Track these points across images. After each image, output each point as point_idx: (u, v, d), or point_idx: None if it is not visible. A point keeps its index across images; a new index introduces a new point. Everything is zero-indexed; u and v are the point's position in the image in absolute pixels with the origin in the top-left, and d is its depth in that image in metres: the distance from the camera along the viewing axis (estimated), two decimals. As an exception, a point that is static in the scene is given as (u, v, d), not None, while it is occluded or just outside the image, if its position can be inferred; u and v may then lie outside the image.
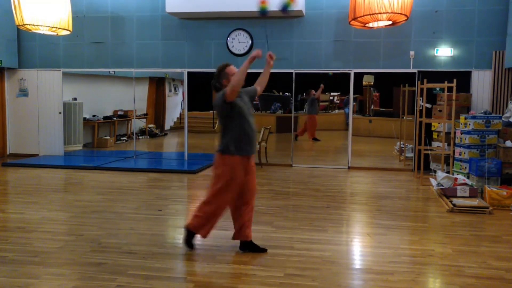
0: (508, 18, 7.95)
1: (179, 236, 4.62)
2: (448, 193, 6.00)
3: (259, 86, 4.12)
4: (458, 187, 5.96)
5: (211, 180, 3.86)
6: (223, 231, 4.66)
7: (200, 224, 3.88)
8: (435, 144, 8.00)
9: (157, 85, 13.98)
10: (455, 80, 7.12)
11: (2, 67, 9.61)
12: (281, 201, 5.97)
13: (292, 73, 8.78)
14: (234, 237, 4.01)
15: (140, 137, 12.92)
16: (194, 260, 3.82)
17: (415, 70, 8.36)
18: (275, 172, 8.17)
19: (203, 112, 13.39)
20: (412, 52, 8.35)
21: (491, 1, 8.07)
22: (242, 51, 8.93)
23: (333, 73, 8.90)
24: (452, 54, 8.27)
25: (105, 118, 11.92)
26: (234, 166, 3.72)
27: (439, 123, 7.70)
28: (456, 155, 7.00)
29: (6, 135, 9.98)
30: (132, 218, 5.13)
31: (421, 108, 7.64)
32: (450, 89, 7.26)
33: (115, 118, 12.24)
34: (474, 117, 6.79)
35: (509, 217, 5.28)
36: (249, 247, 3.97)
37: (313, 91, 11.43)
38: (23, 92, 9.86)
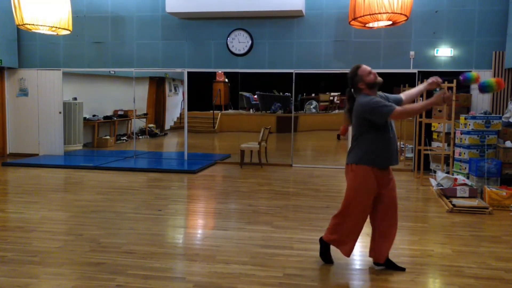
0: (508, 18, 7.95)
1: (179, 236, 4.63)
2: (448, 194, 6.00)
3: (404, 97, 3.74)
4: (458, 188, 5.96)
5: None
6: (222, 231, 4.67)
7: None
8: (435, 144, 8.00)
9: (157, 85, 13.98)
10: (455, 81, 7.12)
11: (2, 67, 9.62)
12: (281, 201, 5.97)
13: (292, 73, 8.78)
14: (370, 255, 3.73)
15: (140, 137, 12.92)
16: (193, 260, 3.82)
17: (415, 70, 8.36)
18: (275, 172, 8.17)
19: (203, 112, 13.39)
20: (412, 52, 8.35)
21: (491, 1, 8.07)
22: (242, 51, 8.93)
23: (333, 73, 8.89)
24: (452, 55, 8.27)
25: (105, 118, 11.92)
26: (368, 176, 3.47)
27: (439, 123, 7.69)
28: (456, 156, 7.00)
29: (6, 135, 9.98)
30: (131, 218, 5.13)
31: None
32: (450, 90, 7.25)
33: (115, 118, 12.24)
34: (474, 118, 6.79)
35: (508, 218, 5.28)
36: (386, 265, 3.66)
37: None
38: (23, 92, 9.86)
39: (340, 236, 3.61)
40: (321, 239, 3.77)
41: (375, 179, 3.47)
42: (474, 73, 3.50)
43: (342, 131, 11.35)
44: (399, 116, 3.34)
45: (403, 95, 3.74)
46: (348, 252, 3.61)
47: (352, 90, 3.59)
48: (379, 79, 3.51)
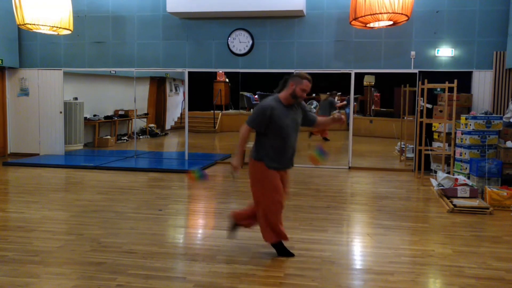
0: (509, 18, 7.94)
1: (179, 236, 4.63)
2: (448, 194, 6.00)
3: (318, 121, 4.05)
4: (459, 188, 5.96)
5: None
6: (223, 230, 4.66)
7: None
8: (435, 144, 7.99)
9: (158, 84, 13.99)
10: (456, 81, 7.12)
11: (3, 67, 9.62)
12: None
13: (293, 73, 8.76)
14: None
15: (141, 137, 12.93)
16: (194, 260, 3.82)
17: (416, 70, 8.35)
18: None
19: (204, 112, 13.39)
20: (413, 52, 8.35)
21: (492, 1, 8.06)
22: (242, 51, 8.93)
23: (334, 73, 8.88)
24: (453, 55, 8.26)
25: (106, 117, 11.93)
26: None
27: (439, 123, 7.69)
28: (457, 156, 7.00)
29: (7, 135, 9.99)
30: (132, 217, 5.13)
31: (421, 108, 7.64)
32: (451, 90, 7.25)
33: (115, 118, 12.25)
34: (474, 118, 6.79)
35: (509, 218, 5.28)
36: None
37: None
38: (24, 92, 9.86)
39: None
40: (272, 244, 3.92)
41: None
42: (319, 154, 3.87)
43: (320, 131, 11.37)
44: (240, 132, 3.66)
45: (318, 119, 4.05)
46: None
47: (280, 85, 3.81)
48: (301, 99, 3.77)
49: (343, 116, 3.86)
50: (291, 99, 3.70)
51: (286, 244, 3.96)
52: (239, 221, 4.04)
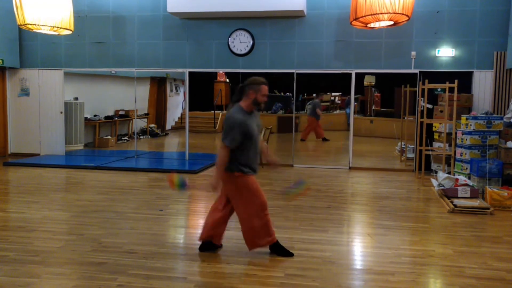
0: (509, 18, 7.94)
1: (180, 236, 4.63)
2: (449, 194, 5.99)
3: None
4: (459, 188, 5.96)
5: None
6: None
7: None
8: (436, 144, 7.99)
9: (159, 85, 13.99)
10: (456, 81, 7.12)
11: (4, 67, 9.63)
12: (282, 201, 5.96)
13: (293, 73, 8.78)
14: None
15: (141, 137, 12.93)
16: (194, 260, 3.82)
17: (417, 71, 8.35)
18: (276, 172, 8.16)
19: (204, 112, 13.40)
20: (413, 53, 8.34)
21: (492, 1, 8.06)
22: (243, 51, 8.93)
23: (334, 73, 8.88)
24: (453, 55, 8.26)
25: (106, 117, 11.93)
26: None
27: (440, 123, 7.69)
28: (457, 156, 7.00)
29: (7, 135, 9.99)
30: (132, 217, 5.13)
31: (422, 108, 7.64)
32: (451, 90, 7.25)
33: (116, 118, 12.25)
34: (475, 118, 6.78)
35: (510, 218, 5.28)
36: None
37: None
38: (25, 92, 9.87)
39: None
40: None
41: None
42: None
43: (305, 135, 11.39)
44: (219, 153, 3.65)
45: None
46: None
47: (238, 91, 3.78)
48: (262, 104, 3.77)
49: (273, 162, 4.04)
50: (253, 107, 3.73)
51: (286, 244, 3.96)
52: (214, 239, 3.98)
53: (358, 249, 4.26)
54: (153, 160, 9.78)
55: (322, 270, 3.60)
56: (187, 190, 3.74)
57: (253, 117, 3.75)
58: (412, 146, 8.93)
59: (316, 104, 11.55)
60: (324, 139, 11.55)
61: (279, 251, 3.90)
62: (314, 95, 11.79)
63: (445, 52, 8.27)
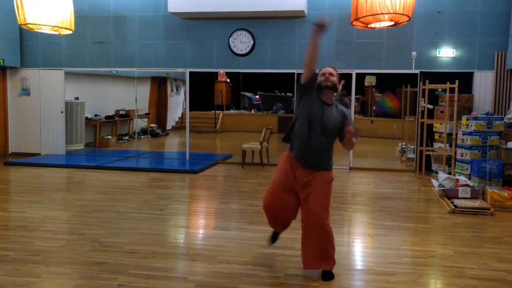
0: (510, 19, 7.93)
1: (180, 236, 4.63)
2: (449, 194, 5.99)
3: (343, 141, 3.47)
4: (460, 188, 5.96)
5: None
6: (224, 231, 4.67)
7: None
8: (436, 145, 7.99)
9: (159, 84, 14.00)
10: (457, 81, 7.12)
11: (5, 66, 9.63)
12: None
13: (294, 73, 8.78)
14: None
15: (142, 137, 12.94)
16: (195, 260, 3.82)
17: (417, 71, 8.35)
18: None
19: (205, 112, 13.41)
20: (414, 53, 8.34)
21: (493, 2, 8.06)
22: (244, 51, 8.93)
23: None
24: (454, 55, 8.26)
25: (107, 117, 11.94)
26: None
27: (441, 124, 7.69)
28: (458, 156, 6.99)
29: (8, 134, 10.00)
30: (133, 217, 5.13)
31: (423, 109, 7.64)
32: (452, 90, 7.25)
33: (117, 118, 12.26)
34: (476, 118, 6.78)
35: (510, 219, 5.27)
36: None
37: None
38: (25, 91, 9.87)
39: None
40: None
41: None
42: (385, 100, 3.45)
43: None
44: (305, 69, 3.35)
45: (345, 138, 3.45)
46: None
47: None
48: (328, 83, 3.38)
49: (351, 128, 3.28)
50: (327, 95, 3.39)
51: (287, 244, 3.96)
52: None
53: (359, 250, 4.26)
54: (153, 160, 9.78)
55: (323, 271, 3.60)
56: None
57: (327, 108, 3.36)
58: (413, 146, 8.93)
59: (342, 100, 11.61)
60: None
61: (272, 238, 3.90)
62: (341, 91, 11.79)
63: (446, 53, 8.26)
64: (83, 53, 9.59)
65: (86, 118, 11.15)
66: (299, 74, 8.75)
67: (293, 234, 4.51)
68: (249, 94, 14.38)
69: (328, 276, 3.43)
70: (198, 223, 5.22)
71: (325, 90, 3.40)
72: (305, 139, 3.40)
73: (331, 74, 3.43)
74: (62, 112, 9.76)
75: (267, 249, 4.03)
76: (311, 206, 3.38)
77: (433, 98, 8.15)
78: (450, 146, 7.45)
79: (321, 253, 3.42)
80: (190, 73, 9.28)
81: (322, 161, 3.45)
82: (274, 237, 3.89)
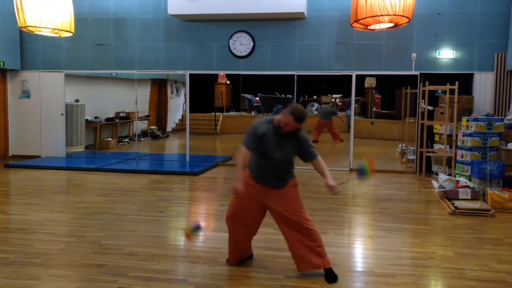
0: (510, 20, 7.94)
1: (180, 238, 4.63)
2: (450, 196, 5.99)
3: (316, 163, 3.55)
4: (460, 190, 5.95)
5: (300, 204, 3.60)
6: (224, 233, 4.66)
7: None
8: (437, 146, 7.99)
9: (159, 87, 14.01)
10: (457, 83, 7.11)
11: (5, 69, 9.64)
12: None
13: (294, 75, 8.78)
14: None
15: (142, 139, 12.94)
16: (195, 262, 3.82)
17: (417, 72, 8.35)
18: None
19: (205, 114, 13.41)
20: (414, 54, 8.35)
21: (493, 3, 8.06)
22: (244, 53, 8.93)
23: (335, 75, 8.89)
24: (454, 57, 8.26)
25: (107, 119, 11.94)
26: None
27: (441, 125, 7.69)
28: (458, 158, 6.99)
29: (8, 137, 10.00)
30: (133, 219, 5.13)
31: (423, 110, 7.64)
32: (452, 92, 7.25)
33: (117, 120, 12.26)
34: (476, 120, 6.78)
35: (511, 220, 5.27)
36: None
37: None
38: (26, 94, 9.88)
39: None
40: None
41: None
42: (365, 164, 3.46)
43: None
44: (238, 155, 3.40)
45: (316, 164, 3.55)
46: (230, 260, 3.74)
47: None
48: (284, 131, 3.35)
49: (334, 189, 3.43)
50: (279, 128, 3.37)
51: (286, 246, 3.94)
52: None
53: (359, 251, 4.25)
54: (153, 162, 9.77)
55: (323, 272, 3.59)
56: (201, 230, 3.61)
57: (283, 138, 3.38)
58: (413, 148, 8.92)
59: (334, 112, 11.78)
60: (339, 140, 11.74)
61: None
62: (331, 100, 11.92)
63: (446, 54, 8.27)
64: (83, 55, 9.60)
65: (86, 120, 11.15)
66: (299, 76, 8.79)
67: (293, 236, 4.51)
68: (249, 96, 14.38)
69: (331, 277, 3.45)
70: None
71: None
72: (262, 169, 3.49)
73: (289, 127, 3.33)
74: (62, 114, 9.77)
75: (267, 251, 4.03)
76: (282, 208, 3.51)
77: (433, 99, 8.15)
78: (450, 147, 7.44)
79: (313, 251, 3.48)
80: (190, 75, 9.28)
81: (282, 182, 3.54)
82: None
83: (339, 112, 11.98)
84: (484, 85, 8.17)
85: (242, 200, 3.51)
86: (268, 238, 4.41)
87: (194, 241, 3.69)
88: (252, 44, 8.88)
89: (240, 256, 3.74)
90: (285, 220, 3.54)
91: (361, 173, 3.47)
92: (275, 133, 3.38)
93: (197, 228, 3.45)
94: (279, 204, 3.52)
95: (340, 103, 13.32)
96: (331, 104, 12.29)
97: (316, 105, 13.44)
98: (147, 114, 13.48)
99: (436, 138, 8.05)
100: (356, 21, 6.92)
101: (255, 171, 3.53)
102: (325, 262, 3.49)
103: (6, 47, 9.42)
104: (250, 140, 3.39)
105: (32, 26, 7.43)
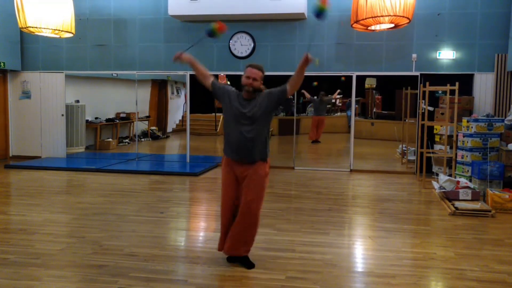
0: (510, 21, 7.94)
1: (181, 239, 4.63)
2: (450, 196, 5.99)
3: (289, 86, 3.70)
4: (460, 190, 5.95)
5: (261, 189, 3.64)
6: (224, 233, 4.66)
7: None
8: (437, 147, 7.99)
9: (160, 87, 14.01)
10: (457, 83, 7.12)
11: (5, 69, 9.65)
12: (283, 204, 5.97)
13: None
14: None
15: (142, 140, 12.94)
16: (195, 263, 3.82)
17: (418, 73, 8.35)
18: (277, 175, 8.16)
19: (205, 114, 13.41)
20: (414, 55, 8.35)
21: (493, 4, 8.06)
22: (244, 54, 8.94)
23: (334, 76, 8.89)
24: (454, 57, 8.26)
25: (108, 120, 11.94)
26: None
27: (441, 126, 7.69)
28: (459, 158, 6.99)
29: (8, 137, 10.01)
30: (133, 220, 5.13)
31: (423, 111, 7.64)
32: (452, 92, 7.25)
33: (117, 121, 12.26)
34: (476, 120, 6.78)
35: (511, 221, 5.26)
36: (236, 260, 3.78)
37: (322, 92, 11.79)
38: (26, 94, 9.89)
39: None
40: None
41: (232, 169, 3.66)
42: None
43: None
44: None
45: (291, 79, 3.74)
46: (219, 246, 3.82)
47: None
48: (250, 88, 3.61)
49: (308, 55, 3.49)
50: (246, 92, 3.61)
51: (287, 247, 3.95)
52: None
53: (359, 252, 4.25)
54: (154, 162, 9.77)
55: (323, 273, 3.60)
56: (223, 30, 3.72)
57: (246, 102, 3.59)
58: (413, 148, 8.92)
59: (329, 100, 11.76)
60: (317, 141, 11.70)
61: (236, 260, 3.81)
62: (318, 94, 11.86)
63: (446, 55, 8.27)
64: (84, 56, 9.61)
65: (87, 121, 11.15)
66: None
67: (293, 237, 4.52)
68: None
69: (248, 263, 3.70)
70: (198, 225, 5.22)
71: (246, 92, 3.61)
72: (232, 135, 3.59)
73: (255, 79, 3.62)
74: (62, 115, 9.77)
75: (267, 251, 4.03)
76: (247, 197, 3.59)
77: (434, 100, 8.15)
78: (451, 148, 7.44)
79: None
80: (191, 75, 9.28)
81: (252, 152, 3.59)
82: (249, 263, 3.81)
83: (334, 95, 12.01)
84: (484, 85, 8.17)
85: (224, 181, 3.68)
86: (268, 239, 4.42)
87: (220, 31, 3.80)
88: (252, 44, 8.89)
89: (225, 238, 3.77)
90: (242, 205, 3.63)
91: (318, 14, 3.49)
92: (241, 99, 3.63)
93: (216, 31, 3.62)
94: (246, 184, 3.62)
95: (340, 104, 13.32)
96: (330, 97, 12.25)
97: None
98: (148, 114, 13.48)
99: (437, 138, 8.05)
100: (357, 21, 6.92)
101: (229, 147, 3.64)
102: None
103: (7, 47, 9.42)
104: (214, 89, 3.75)
105: (32, 27, 7.43)
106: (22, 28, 7.59)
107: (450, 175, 7.06)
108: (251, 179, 3.59)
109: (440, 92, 8.09)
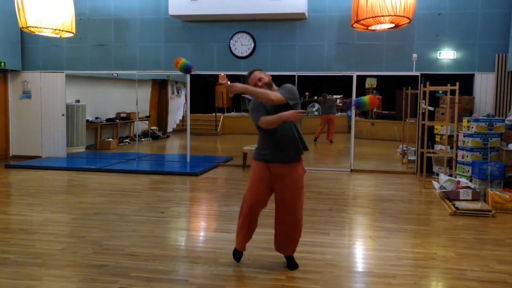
0: (511, 21, 7.94)
1: (181, 239, 4.63)
2: (450, 196, 5.99)
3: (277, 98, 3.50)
4: (461, 190, 5.95)
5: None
6: (225, 233, 4.67)
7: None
8: (437, 147, 7.98)
9: (160, 87, 14.02)
10: (457, 83, 7.11)
11: (6, 69, 9.65)
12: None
13: (294, 75, 8.78)
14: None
15: (143, 139, 12.95)
16: (196, 263, 3.82)
17: (418, 73, 8.35)
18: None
19: (206, 114, 13.41)
20: (414, 55, 8.35)
21: (494, 4, 8.06)
22: (244, 54, 8.94)
23: (335, 76, 8.89)
24: (455, 57, 8.26)
25: (108, 120, 11.95)
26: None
27: (441, 126, 7.68)
28: (459, 158, 6.99)
29: (9, 137, 10.01)
30: (134, 220, 5.13)
31: (423, 111, 7.64)
32: (453, 92, 7.25)
33: (117, 120, 12.27)
34: (477, 120, 6.78)
35: (512, 221, 5.27)
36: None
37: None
38: (26, 94, 9.89)
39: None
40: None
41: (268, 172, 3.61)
42: (366, 97, 3.49)
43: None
44: (262, 125, 3.51)
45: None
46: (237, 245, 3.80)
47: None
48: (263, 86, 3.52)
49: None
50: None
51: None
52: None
53: (360, 252, 4.25)
54: (154, 162, 9.78)
55: (324, 273, 3.60)
56: (191, 70, 3.64)
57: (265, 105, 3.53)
58: (414, 148, 8.92)
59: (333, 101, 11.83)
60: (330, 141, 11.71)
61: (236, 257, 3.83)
62: (327, 95, 11.90)
63: (447, 55, 8.27)
64: (84, 56, 9.61)
65: (87, 120, 11.16)
66: (299, 76, 8.79)
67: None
68: (250, 97, 14.37)
69: (292, 264, 3.70)
70: (199, 225, 5.22)
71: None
72: (278, 135, 3.56)
73: (261, 78, 3.57)
74: (63, 115, 9.77)
75: (268, 251, 4.03)
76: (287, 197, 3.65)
77: (434, 100, 8.15)
78: (451, 148, 7.44)
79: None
80: (191, 75, 9.29)
81: (298, 148, 3.68)
82: (238, 255, 3.84)
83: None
84: (484, 85, 8.17)
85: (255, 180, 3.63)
86: (269, 239, 4.41)
87: (178, 66, 3.68)
88: (252, 44, 8.89)
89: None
90: (281, 206, 3.72)
91: (358, 103, 3.49)
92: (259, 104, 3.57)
93: (187, 67, 3.60)
94: (286, 184, 3.66)
95: (340, 104, 13.32)
96: (333, 98, 12.32)
97: (316, 105, 13.44)
98: (148, 114, 13.50)
99: (437, 138, 8.05)
100: (357, 21, 6.92)
101: (259, 147, 3.65)
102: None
103: (7, 47, 9.43)
104: (257, 110, 3.55)
105: (33, 27, 7.43)
106: (23, 28, 7.59)
107: (450, 175, 7.05)
108: (291, 180, 3.66)
109: (440, 92, 8.09)
